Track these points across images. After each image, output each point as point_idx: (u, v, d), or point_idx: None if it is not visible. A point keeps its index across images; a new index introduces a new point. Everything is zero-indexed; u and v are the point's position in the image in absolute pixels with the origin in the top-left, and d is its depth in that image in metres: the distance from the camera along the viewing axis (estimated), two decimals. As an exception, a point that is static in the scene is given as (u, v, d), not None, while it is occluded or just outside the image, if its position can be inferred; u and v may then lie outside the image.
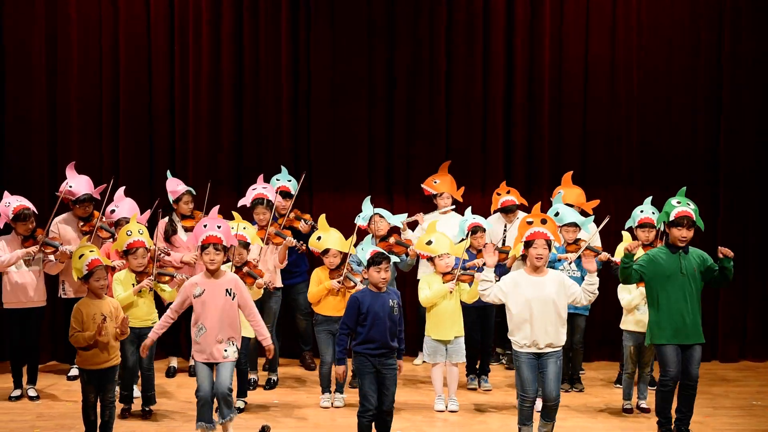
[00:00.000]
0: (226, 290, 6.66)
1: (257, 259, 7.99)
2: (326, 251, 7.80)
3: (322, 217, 8.05)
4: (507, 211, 8.77)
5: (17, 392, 8.05)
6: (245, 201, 8.46)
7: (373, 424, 6.65)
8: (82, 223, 8.37)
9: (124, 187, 8.46)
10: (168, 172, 8.74)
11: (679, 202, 6.95)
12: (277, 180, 8.75)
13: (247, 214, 8.54)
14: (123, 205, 8.16)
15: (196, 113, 9.59)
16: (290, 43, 9.59)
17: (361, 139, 9.70)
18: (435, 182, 8.98)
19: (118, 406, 7.34)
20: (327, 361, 7.81)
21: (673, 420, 6.93)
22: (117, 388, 7.38)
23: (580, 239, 7.99)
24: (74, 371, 8.61)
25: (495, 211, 8.87)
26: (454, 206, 8.94)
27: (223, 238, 6.71)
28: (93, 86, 9.51)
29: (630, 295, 7.70)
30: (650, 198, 8.24)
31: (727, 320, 9.74)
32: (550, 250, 6.56)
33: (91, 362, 6.59)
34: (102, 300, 6.65)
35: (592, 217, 8.34)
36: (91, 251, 6.66)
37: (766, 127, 9.73)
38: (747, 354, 9.78)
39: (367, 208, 8.41)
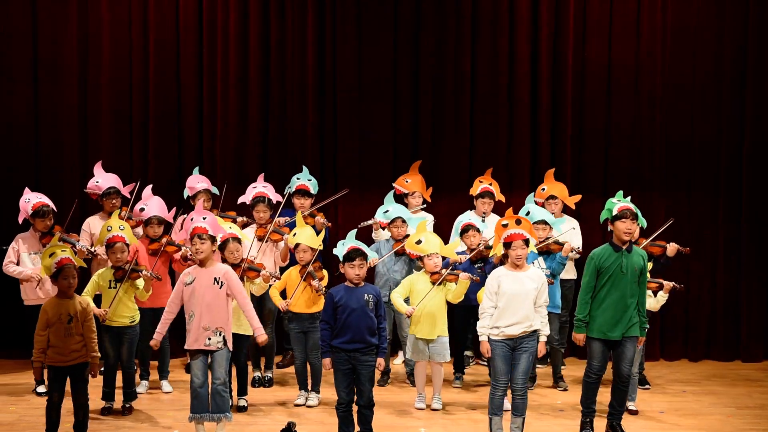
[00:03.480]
0: (215, 278, 6.66)
1: (255, 256, 7.89)
2: (296, 246, 7.60)
3: (299, 215, 7.97)
4: (481, 196, 8.57)
5: (42, 388, 7.84)
6: (245, 199, 8.39)
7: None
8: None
9: (151, 186, 8.35)
10: (196, 169, 8.65)
11: (619, 200, 6.92)
12: (297, 179, 8.63)
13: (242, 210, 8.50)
14: (152, 204, 8.07)
15: (223, 115, 9.45)
16: (316, 45, 9.42)
17: (386, 140, 9.51)
18: (406, 181, 8.83)
19: (100, 404, 7.35)
20: (298, 358, 7.68)
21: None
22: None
23: (549, 238, 7.92)
24: None
25: (474, 198, 8.68)
26: (424, 205, 8.82)
27: (209, 228, 6.72)
28: (123, 90, 9.41)
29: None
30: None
31: (750, 321, 9.43)
32: (528, 247, 6.66)
33: (56, 359, 6.48)
34: (70, 299, 6.55)
35: (565, 218, 8.36)
36: (63, 251, 6.62)
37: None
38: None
39: (390, 202, 8.29)
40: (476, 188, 8.63)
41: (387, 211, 8.19)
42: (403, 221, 8.12)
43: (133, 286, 7.36)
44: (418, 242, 7.54)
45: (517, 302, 6.52)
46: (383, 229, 8.28)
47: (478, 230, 8.04)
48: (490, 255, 7.90)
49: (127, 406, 7.41)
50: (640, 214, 6.96)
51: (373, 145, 9.42)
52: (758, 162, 9.32)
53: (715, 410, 7.59)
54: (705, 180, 9.23)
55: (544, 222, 7.90)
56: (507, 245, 6.59)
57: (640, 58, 9.28)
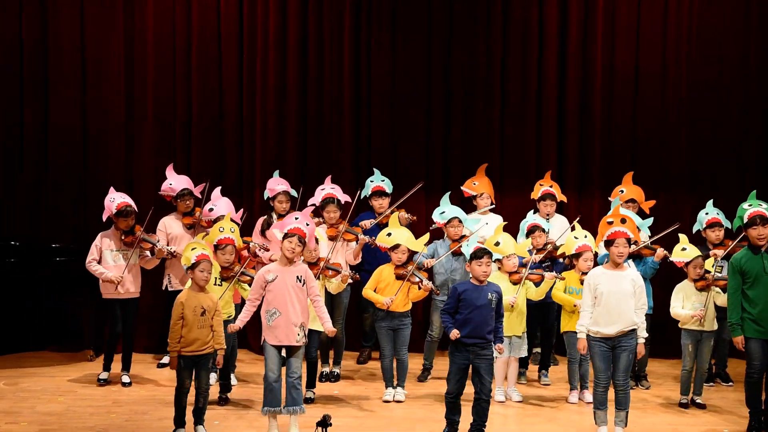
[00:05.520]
0: (297, 277, 6.73)
1: (329, 256, 7.84)
2: (395, 247, 7.60)
3: (394, 216, 7.92)
4: (543, 198, 8.59)
5: (105, 374, 8.04)
6: (314, 200, 8.34)
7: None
8: (183, 217, 8.44)
9: (219, 187, 8.42)
10: (276, 172, 8.67)
11: (750, 205, 6.99)
12: (371, 182, 8.66)
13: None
14: (220, 204, 8.15)
15: (263, 121, 9.52)
16: (352, 51, 9.49)
17: (419, 143, 9.57)
18: (474, 184, 8.89)
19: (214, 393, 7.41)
20: (387, 356, 7.68)
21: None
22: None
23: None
24: (165, 359, 8.58)
25: (536, 201, 8.68)
26: (493, 205, 8.84)
27: (307, 234, 6.80)
28: (167, 96, 9.50)
29: (682, 310, 7.54)
30: (711, 201, 8.15)
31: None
32: (630, 246, 6.74)
33: (187, 349, 6.61)
34: (204, 293, 6.73)
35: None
36: (203, 248, 6.80)
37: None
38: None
39: (446, 203, 8.25)
40: (537, 191, 8.66)
41: (443, 212, 8.14)
42: (460, 221, 8.08)
43: (241, 289, 7.39)
44: (497, 243, 7.52)
45: (615, 301, 6.54)
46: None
47: (543, 230, 8.08)
48: (558, 255, 7.93)
49: (224, 397, 7.52)
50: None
51: (407, 148, 9.47)
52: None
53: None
54: (728, 181, 9.16)
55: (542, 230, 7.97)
56: (610, 242, 6.62)
57: (666, 62, 9.29)
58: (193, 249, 6.72)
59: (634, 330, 6.59)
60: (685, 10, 9.27)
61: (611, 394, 6.70)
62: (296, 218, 6.84)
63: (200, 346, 6.58)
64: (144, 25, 9.38)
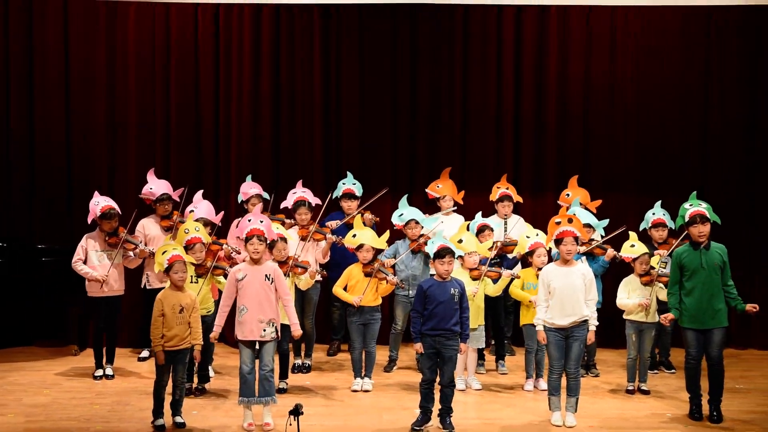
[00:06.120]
0: (266, 275, 6.85)
1: (298, 255, 8.03)
2: (360, 247, 7.84)
3: (358, 218, 8.18)
4: (500, 200, 8.84)
5: (99, 372, 8.16)
6: (287, 203, 8.57)
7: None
8: (161, 220, 8.59)
9: (201, 191, 8.60)
10: (249, 176, 8.85)
11: (691, 205, 7.19)
12: (343, 184, 8.88)
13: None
14: (201, 207, 8.27)
15: (238, 127, 9.68)
16: (322, 62, 9.66)
17: (386, 149, 9.76)
18: (438, 186, 9.05)
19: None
20: (357, 348, 7.89)
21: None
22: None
23: (593, 241, 8.12)
24: (145, 353, 8.76)
25: (495, 202, 8.91)
26: (455, 207, 9.02)
27: (266, 232, 6.91)
28: (147, 103, 9.62)
29: (628, 299, 7.77)
30: (660, 201, 8.38)
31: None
32: (577, 244, 6.97)
33: (165, 344, 6.73)
34: (182, 292, 6.82)
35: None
36: (174, 249, 6.88)
37: (749, 140, 9.70)
38: (731, 343, 9.49)
39: (404, 206, 8.45)
40: (495, 194, 8.88)
41: (402, 214, 8.35)
42: (416, 222, 8.29)
43: (217, 282, 7.52)
44: (460, 241, 7.71)
45: (566, 295, 6.81)
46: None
47: (491, 230, 8.35)
48: (512, 252, 8.18)
49: (200, 387, 7.66)
50: (711, 211, 7.10)
51: (375, 154, 9.66)
52: (720, 169, 9.62)
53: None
54: (672, 181, 9.36)
55: (588, 225, 8.12)
56: (558, 241, 6.89)
57: (614, 74, 9.59)
58: (164, 252, 6.81)
59: (585, 321, 6.87)
60: (630, 27, 9.55)
61: (564, 381, 6.95)
62: (249, 220, 6.98)
63: (178, 342, 6.70)
64: (125, 37, 9.47)
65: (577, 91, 9.65)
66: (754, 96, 9.60)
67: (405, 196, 8.54)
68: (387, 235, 8.06)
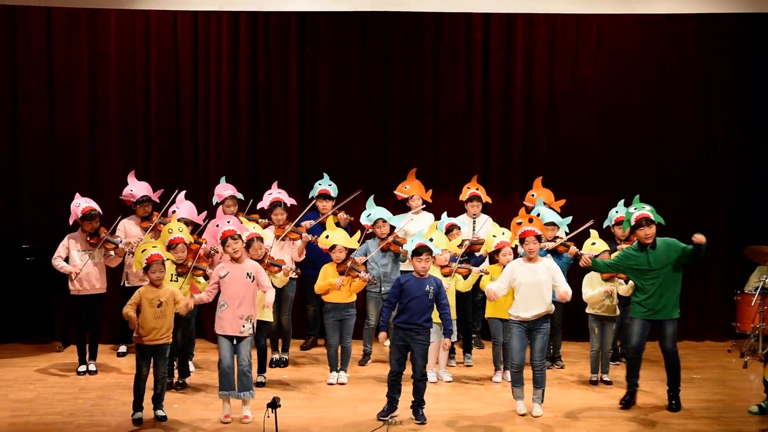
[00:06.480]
0: (247, 273, 7.02)
1: (270, 253, 8.16)
2: (333, 247, 7.98)
3: (330, 219, 8.33)
4: (470, 200, 9.03)
5: (83, 368, 8.30)
6: (263, 204, 8.71)
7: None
8: (141, 221, 8.71)
9: (184, 192, 8.72)
10: (222, 178, 8.97)
11: (635, 209, 7.33)
12: (319, 184, 9.01)
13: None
14: (183, 207, 8.40)
15: (217, 131, 9.85)
16: (298, 69, 9.88)
17: (360, 151, 9.97)
18: (405, 187, 9.21)
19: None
20: (333, 345, 8.05)
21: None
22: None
23: (557, 238, 8.32)
24: (122, 348, 8.94)
25: (464, 202, 9.10)
26: (424, 206, 9.18)
27: (237, 229, 7.07)
28: (128, 108, 9.77)
29: (592, 291, 7.96)
30: (623, 200, 8.54)
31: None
32: (539, 243, 7.13)
33: (145, 339, 6.80)
34: (160, 288, 6.87)
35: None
36: (153, 247, 6.95)
37: (704, 142, 10.04)
38: (689, 336, 9.97)
39: (371, 206, 8.63)
40: (465, 194, 9.07)
41: (369, 214, 8.53)
42: (384, 221, 8.51)
43: (196, 282, 7.61)
44: (431, 240, 7.79)
45: (530, 289, 7.00)
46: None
47: (459, 228, 8.54)
48: (479, 250, 8.40)
49: (181, 382, 7.79)
50: (655, 212, 7.25)
51: (349, 157, 9.87)
52: (678, 168, 9.94)
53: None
54: (630, 181, 9.53)
55: (553, 223, 8.32)
56: (521, 241, 7.10)
57: (578, 81, 9.87)
58: (143, 251, 6.89)
59: (548, 315, 7.10)
60: (593, 36, 9.85)
61: (530, 374, 7.14)
62: (217, 226, 7.15)
63: (157, 336, 6.75)
64: (107, 44, 9.61)
65: (543, 95, 9.93)
66: (708, 99, 9.94)
67: (371, 197, 8.73)
68: (358, 235, 8.26)
